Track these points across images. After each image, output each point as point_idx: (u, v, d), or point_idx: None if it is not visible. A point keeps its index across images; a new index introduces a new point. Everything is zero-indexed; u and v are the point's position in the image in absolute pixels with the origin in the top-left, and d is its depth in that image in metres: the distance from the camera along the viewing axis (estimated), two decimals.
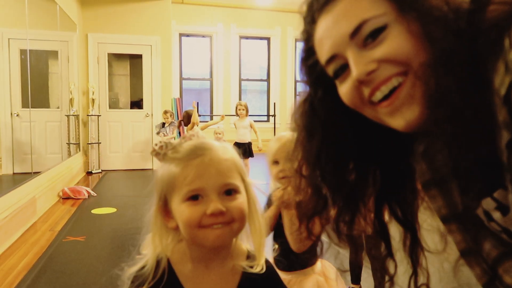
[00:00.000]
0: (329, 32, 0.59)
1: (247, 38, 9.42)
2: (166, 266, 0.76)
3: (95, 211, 4.10)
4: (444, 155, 0.59)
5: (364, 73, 0.56)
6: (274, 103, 9.43)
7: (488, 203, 0.56)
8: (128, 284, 0.75)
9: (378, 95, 0.56)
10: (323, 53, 0.61)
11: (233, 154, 0.77)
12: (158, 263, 0.76)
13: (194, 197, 0.72)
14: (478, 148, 0.52)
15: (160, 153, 0.76)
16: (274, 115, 9.36)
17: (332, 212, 0.72)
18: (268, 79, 9.68)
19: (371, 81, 0.56)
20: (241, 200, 0.74)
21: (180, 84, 9.08)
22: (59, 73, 5.55)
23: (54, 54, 5.51)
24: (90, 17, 6.61)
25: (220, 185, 0.72)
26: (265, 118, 9.38)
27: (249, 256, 0.80)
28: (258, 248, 0.79)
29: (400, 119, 0.56)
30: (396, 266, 0.74)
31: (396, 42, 0.54)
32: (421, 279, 0.73)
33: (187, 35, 9.06)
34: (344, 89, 0.61)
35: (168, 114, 6.32)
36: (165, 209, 0.76)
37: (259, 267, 0.77)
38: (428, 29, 0.52)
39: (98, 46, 6.74)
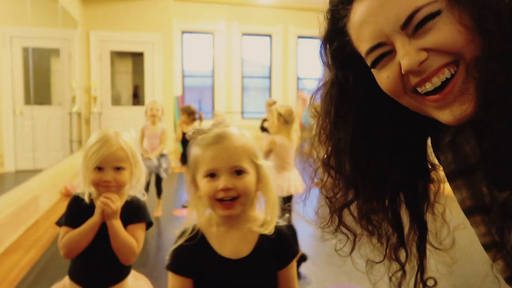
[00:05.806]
0: (374, 18, 0.55)
1: (249, 35, 9.41)
2: (198, 229, 0.96)
3: None
4: (472, 145, 0.58)
5: (416, 63, 0.52)
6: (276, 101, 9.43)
7: None
8: (174, 239, 0.97)
9: (428, 86, 0.54)
10: (364, 39, 0.57)
11: (245, 141, 0.96)
12: (193, 227, 0.96)
13: (211, 175, 0.92)
14: (510, 138, 0.50)
15: (193, 137, 0.98)
16: None
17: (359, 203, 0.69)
18: (270, 77, 9.68)
19: (421, 72, 0.53)
20: (247, 179, 0.92)
21: (182, 82, 9.08)
22: (61, 71, 5.56)
23: (56, 51, 5.52)
24: (91, 15, 6.61)
25: (230, 166, 0.91)
26: (266, 116, 9.42)
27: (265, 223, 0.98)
28: (270, 215, 0.97)
29: (449, 114, 0.54)
30: (407, 256, 0.71)
31: (448, 30, 0.51)
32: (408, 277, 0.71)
33: (189, 33, 9.05)
34: (385, 76, 0.57)
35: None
36: (194, 181, 0.97)
37: (268, 230, 0.95)
38: (480, 22, 0.49)
39: (100, 44, 6.75)
